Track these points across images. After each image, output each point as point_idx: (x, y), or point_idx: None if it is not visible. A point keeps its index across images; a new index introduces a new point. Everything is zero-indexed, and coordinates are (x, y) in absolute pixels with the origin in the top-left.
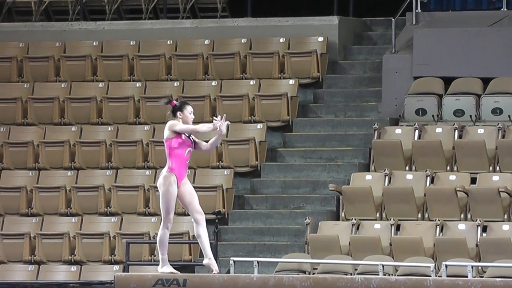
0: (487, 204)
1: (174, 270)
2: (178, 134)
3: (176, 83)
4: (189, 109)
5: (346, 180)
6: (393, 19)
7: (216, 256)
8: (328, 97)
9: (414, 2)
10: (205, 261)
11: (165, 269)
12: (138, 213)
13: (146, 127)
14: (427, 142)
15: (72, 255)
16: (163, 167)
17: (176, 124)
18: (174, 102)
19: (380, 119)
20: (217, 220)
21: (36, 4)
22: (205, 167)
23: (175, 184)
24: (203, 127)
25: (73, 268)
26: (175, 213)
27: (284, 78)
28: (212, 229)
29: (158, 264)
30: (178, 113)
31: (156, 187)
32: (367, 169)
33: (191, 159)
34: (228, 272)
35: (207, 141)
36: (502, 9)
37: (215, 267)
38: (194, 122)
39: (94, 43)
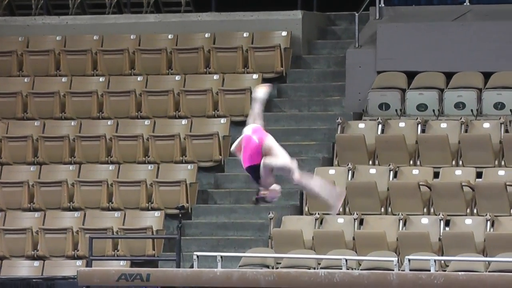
0: (450, 198)
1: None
2: None
3: (139, 78)
4: None
5: None
6: (356, 14)
7: (179, 251)
8: (292, 92)
9: None
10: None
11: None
12: (101, 208)
13: (109, 122)
14: (390, 136)
15: (35, 250)
16: (127, 162)
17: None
18: None
19: (343, 114)
20: (180, 215)
21: None
22: (169, 161)
23: None
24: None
25: (36, 263)
26: (139, 208)
27: (247, 73)
28: (175, 223)
29: (121, 259)
30: None
31: (120, 182)
32: (330, 163)
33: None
34: (192, 266)
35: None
36: (465, 4)
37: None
38: (159, 117)
39: (58, 37)
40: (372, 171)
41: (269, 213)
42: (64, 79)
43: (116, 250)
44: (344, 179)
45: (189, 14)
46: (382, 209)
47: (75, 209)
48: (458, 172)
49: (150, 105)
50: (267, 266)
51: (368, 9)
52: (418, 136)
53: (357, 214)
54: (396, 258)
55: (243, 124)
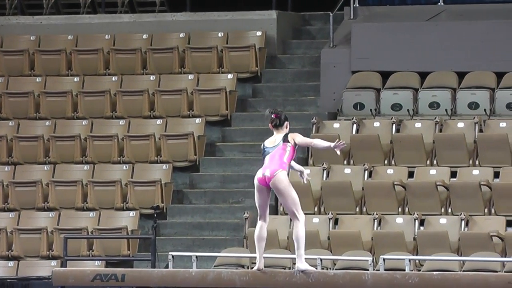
0: (424, 197)
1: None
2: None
3: (114, 78)
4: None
5: None
6: (331, 14)
7: (154, 251)
8: (267, 92)
9: None
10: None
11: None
12: (76, 208)
13: (84, 122)
14: (365, 136)
15: (10, 251)
16: (102, 162)
17: (297, 135)
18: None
19: (318, 113)
20: (155, 215)
21: None
22: (144, 161)
23: None
24: (321, 143)
25: (11, 263)
26: (113, 208)
27: (222, 73)
28: (150, 223)
29: (96, 259)
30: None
31: (94, 182)
32: (305, 163)
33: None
34: (167, 267)
35: None
36: (439, 4)
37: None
38: (134, 117)
39: (32, 37)
40: (347, 170)
41: (244, 213)
42: (38, 79)
43: (91, 250)
44: (319, 179)
45: (164, 14)
46: (357, 209)
47: (49, 209)
48: (433, 171)
49: (125, 105)
50: (242, 266)
51: (342, 9)
52: (392, 136)
53: (332, 214)
54: (371, 258)
55: (218, 124)
